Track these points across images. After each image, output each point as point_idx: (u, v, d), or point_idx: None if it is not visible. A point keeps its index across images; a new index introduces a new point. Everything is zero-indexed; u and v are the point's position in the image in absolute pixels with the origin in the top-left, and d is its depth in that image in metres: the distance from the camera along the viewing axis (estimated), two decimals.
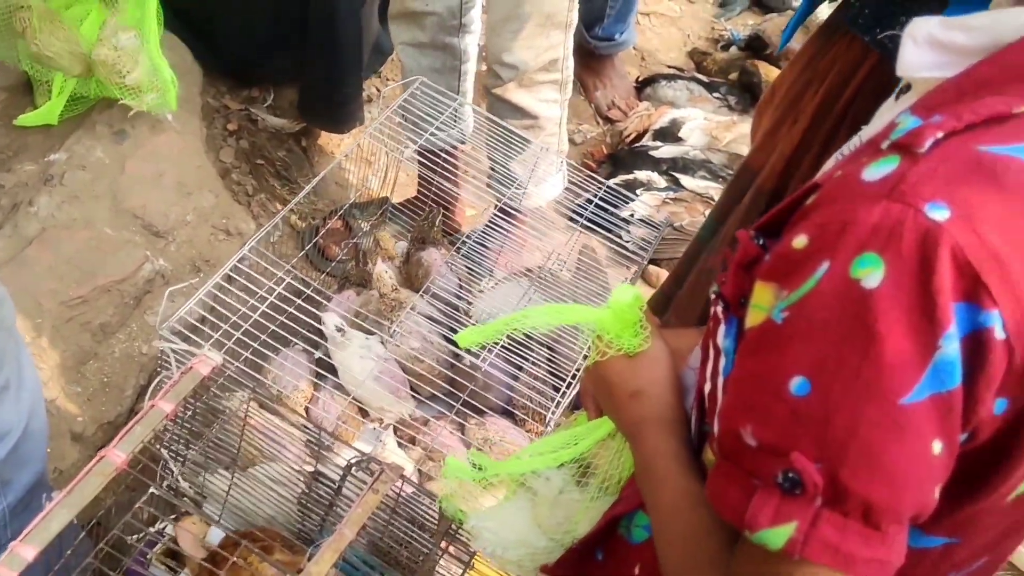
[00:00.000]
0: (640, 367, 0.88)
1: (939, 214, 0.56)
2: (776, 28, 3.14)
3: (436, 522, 1.38)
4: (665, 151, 2.70)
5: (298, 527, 1.56)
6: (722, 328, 0.71)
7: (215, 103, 2.43)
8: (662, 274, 2.64)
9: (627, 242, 2.33)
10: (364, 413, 1.79)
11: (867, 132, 0.77)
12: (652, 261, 2.60)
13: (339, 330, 1.71)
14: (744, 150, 2.41)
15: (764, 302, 0.63)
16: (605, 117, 3.01)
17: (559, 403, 1.66)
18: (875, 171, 0.59)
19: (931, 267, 0.56)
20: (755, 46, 3.15)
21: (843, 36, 1.38)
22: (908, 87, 0.74)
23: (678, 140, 2.80)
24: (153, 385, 1.32)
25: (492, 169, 2.22)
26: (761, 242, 0.69)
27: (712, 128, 2.80)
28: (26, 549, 1.07)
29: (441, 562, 1.45)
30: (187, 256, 2.04)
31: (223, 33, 2.23)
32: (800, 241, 0.60)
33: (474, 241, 2.12)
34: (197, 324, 1.56)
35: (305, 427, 1.50)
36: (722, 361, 0.71)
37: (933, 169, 0.58)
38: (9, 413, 1.27)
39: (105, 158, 2.05)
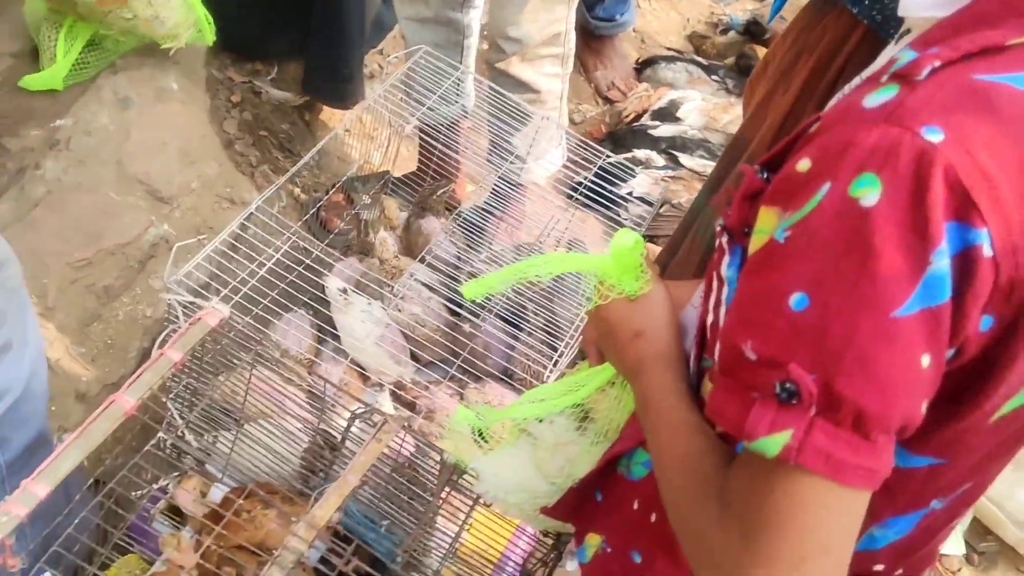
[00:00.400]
0: (641, 308, 0.91)
1: (934, 136, 0.59)
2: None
3: (435, 480, 1.41)
4: (663, 130, 2.73)
5: (300, 484, 1.59)
6: (726, 259, 0.75)
7: (219, 75, 2.45)
8: (658, 252, 2.68)
9: (624, 219, 2.35)
10: (365, 378, 1.82)
11: (868, 72, 0.80)
12: (649, 238, 2.64)
13: (342, 292, 1.74)
14: None
15: (767, 226, 0.66)
16: (605, 97, 3.03)
17: (556, 362, 1.69)
18: (875, 99, 0.62)
19: (925, 185, 0.59)
20: (753, 31, 3.18)
21: (832, 8, 1.41)
22: (908, 31, 0.77)
23: (676, 120, 2.83)
24: (160, 337, 1.34)
25: (493, 143, 2.25)
26: (765, 176, 0.72)
27: (710, 109, 2.83)
28: (38, 486, 1.09)
29: (439, 519, 1.48)
30: (191, 223, 2.06)
31: (227, 9, 2.25)
32: (803, 164, 0.63)
33: (473, 213, 2.15)
34: (203, 287, 1.59)
35: (310, 386, 1.53)
36: (725, 290, 0.75)
37: (930, 95, 0.61)
38: (9, 372, 1.29)
39: (110, 124, 2.07)
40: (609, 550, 1.00)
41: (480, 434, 1.16)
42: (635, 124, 2.84)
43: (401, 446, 1.36)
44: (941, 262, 0.59)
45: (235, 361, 1.45)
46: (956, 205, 0.59)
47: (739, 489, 0.69)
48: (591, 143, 2.15)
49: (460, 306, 1.84)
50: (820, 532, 0.64)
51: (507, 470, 1.08)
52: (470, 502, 1.38)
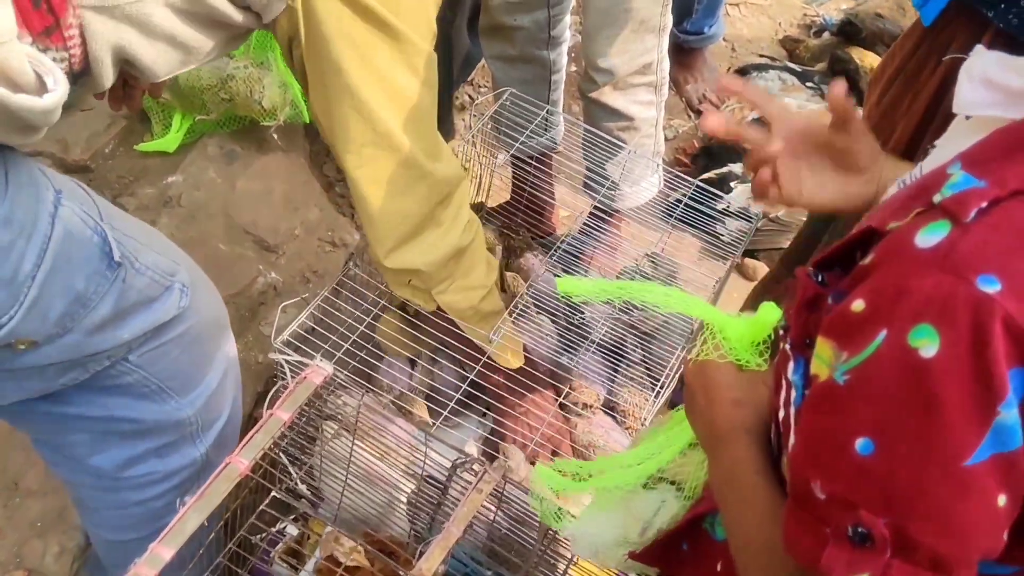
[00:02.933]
0: (748, 380, 0.90)
1: (990, 287, 0.58)
2: (869, 11, 3.08)
3: (538, 519, 1.43)
4: None
5: (409, 528, 1.64)
6: (791, 364, 0.75)
7: None
8: (759, 266, 2.64)
9: (722, 235, 2.33)
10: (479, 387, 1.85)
11: (936, 156, 0.78)
12: (748, 253, 2.60)
13: None
14: None
15: (826, 356, 0.66)
16: (697, 111, 3.01)
17: (656, 402, 1.69)
18: (927, 237, 0.61)
19: (985, 338, 0.58)
20: (848, 31, 3.10)
21: (963, 9, 1.36)
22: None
23: None
24: (271, 394, 1.41)
25: (588, 171, 2.26)
26: (820, 279, 0.72)
27: None
28: (164, 550, 1.16)
29: (546, 557, 1.50)
30: (297, 268, 2.15)
31: None
32: (858, 305, 0.63)
33: (568, 243, 2.17)
34: (307, 335, 1.65)
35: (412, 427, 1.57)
36: (793, 393, 0.74)
37: (983, 240, 0.59)
38: (221, 402, 1.44)
39: (217, 178, 2.18)
40: None
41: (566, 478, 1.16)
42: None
43: (503, 490, 1.39)
44: (1009, 412, 0.59)
45: (342, 412, 1.51)
46: (1020, 353, 0.58)
47: None
48: (682, 166, 2.14)
49: (562, 339, 1.86)
50: None
51: (602, 530, 1.09)
52: (570, 554, 1.40)
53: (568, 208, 2.45)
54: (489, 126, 2.04)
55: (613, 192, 2.13)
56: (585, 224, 2.22)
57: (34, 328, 1.08)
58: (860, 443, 0.62)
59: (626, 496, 1.06)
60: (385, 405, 1.67)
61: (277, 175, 2.27)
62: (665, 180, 2.18)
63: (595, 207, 2.15)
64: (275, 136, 2.28)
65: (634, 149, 2.11)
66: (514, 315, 1.86)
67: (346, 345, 1.52)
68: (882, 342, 0.61)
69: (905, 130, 1.46)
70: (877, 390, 0.61)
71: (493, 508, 1.43)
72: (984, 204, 0.60)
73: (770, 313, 0.92)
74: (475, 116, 2.63)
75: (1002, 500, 0.61)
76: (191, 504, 1.20)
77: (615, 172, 2.13)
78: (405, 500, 1.61)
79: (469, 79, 2.82)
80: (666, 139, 2.87)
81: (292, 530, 1.65)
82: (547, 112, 1.98)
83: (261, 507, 1.44)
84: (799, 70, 3.04)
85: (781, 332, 0.77)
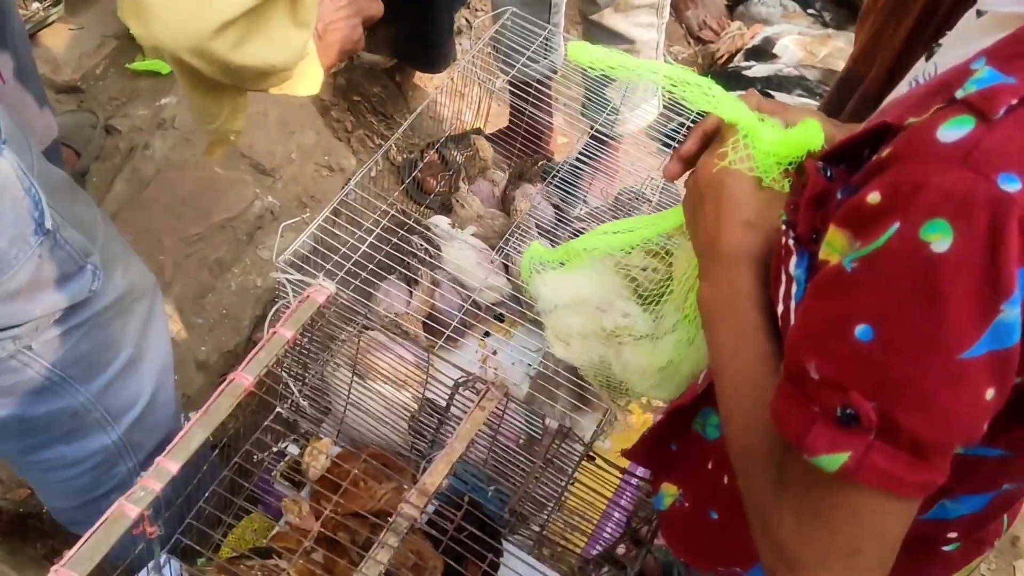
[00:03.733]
0: (765, 201, 0.85)
1: (1011, 185, 0.57)
2: None
3: (540, 438, 1.45)
4: (758, 70, 2.67)
5: (410, 446, 1.65)
6: (794, 259, 0.75)
7: None
8: None
9: None
10: (478, 306, 1.86)
11: (944, 56, 0.77)
12: None
13: (452, 225, 1.79)
14: (839, 65, 2.37)
15: (838, 245, 0.66)
16: (697, 37, 2.97)
17: None
18: (950, 132, 0.60)
19: (1000, 237, 0.58)
20: None
21: None
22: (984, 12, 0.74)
23: (772, 58, 2.76)
24: (271, 314, 1.41)
25: (586, 96, 2.24)
26: (828, 173, 0.71)
27: (807, 43, 2.74)
28: (170, 463, 1.17)
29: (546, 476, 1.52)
30: (293, 192, 2.13)
31: None
32: (874, 197, 0.63)
33: (567, 170, 2.15)
34: (308, 255, 1.65)
35: (415, 355, 1.58)
36: (794, 287, 0.75)
37: (1008, 138, 0.59)
38: (134, 387, 1.36)
39: None
40: (686, 505, 1.03)
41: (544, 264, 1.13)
42: (729, 65, 2.78)
43: (504, 410, 1.40)
44: (1012, 311, 0.59)
45: (343, 331, 1.51)
46: None
47: (796, 478, 0.70)
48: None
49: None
50: (873, 530, 0.67)
51: (567, 286, 1.08)
52: (575, 459, 1.42)
53: (566, 134, 2.43)
54: (488, 49, 2.00)
55: (612, 117, 2.11)
56: (583, 151, 2.21)
57: None
58: (860, 329, 0.63)
59: (599, 265, 1.05)
60: (386, 325, 1.67)
61: (272, 98, 2.22)
62: (666, 104, 2.16)
63: (594, 132, 2.13)
64: None
65: None
66: (515, 236, 1.86)
67: (348, 265, 1.52)
68: (894, 234, 0.61)
69: (884, 59, 1.45)
70: (883, 279, 0.62)
71: (494, 428, 1.44)
72: (1015, 101, 0.59)
73: (811, 132, 0.84)
74: (473, 40, 2.59)
75: (990, 394, 0.62)
76: (196, 419, 1.20)
77: (615, 96, 2.11)
78: (406, 423, 1.62)
79: (467, 3, 2.78)
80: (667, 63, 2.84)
81: (294, 449, 1.67)
82: (547, 33, 1.94)
83: (265, 424, 1.45)
84: None
85: (783, 227, 0.76)
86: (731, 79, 2.70)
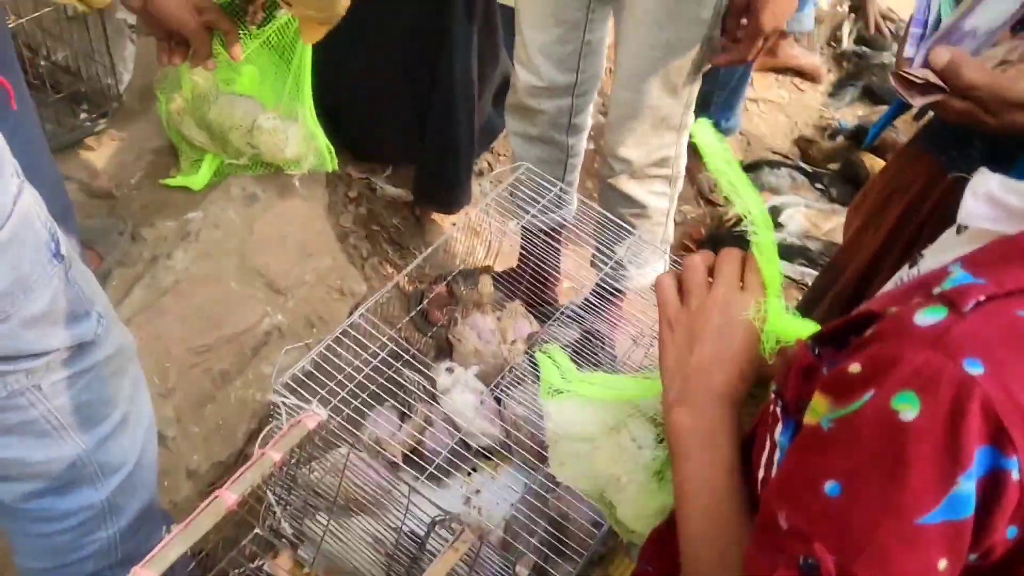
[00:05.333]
0: (758, 363, 0.91)
1: (974, 369, 0.64)
2: None
3: None
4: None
5: (385, 573, 1.66)
6: (779, 426, 0.81)
7: (339, 171, 2.62)
8: None
9: None
10: (467, 447, 1.89)
11: (926, 264, 0.85)
12: None
13: (448, 370, 1.83)
14: (841, 240, 2.46)
15: (820, 409, 0.72)
16: (707, 199, 3.09)
17: None
18: (925, 318, 0.68)
19: (962, 413, 0.64)
20: (861, 137, 3.19)
21: (925, 153, 1.45)
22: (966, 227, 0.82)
23: (778, 227, 2.86)
24: (264, 433, 1.45)
25: (597, 249, 2.33)
26: (816, 352, 0.78)
27: (812, 216, 2.85)
28: (146, 573, 1.20)
29: None
30: (303, 313, 2.21)
31: (349, 113, 2.43)
32: (855, 367, 0.69)
33: (567, 315, 2.22)
34: (305, 379, 1.70)
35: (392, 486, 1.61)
36: (777, 454, 0.81)
37: (975, 329, 0.66)
38: (125, 445, 1.41)
39: (237, 219, 2.25)
40: None
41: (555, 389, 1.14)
42: (735, 229, 2.87)
43: (478, 552, 1.42)
44: (967, 484, 0.64)
45: (329, 454, 1.55)
46: (990, 432, 0.64)
47: None
48: (688, 251, 2.20)
49: None
50: None
51: (573, 412, 1.10)
52: None
53: (573, 281, 2.51)
54: (505, 195, 2.11)
55: (619, 272, 2.19)
56: (587, 299, 2.28)
57: None
58: (829, 485, 0.69)
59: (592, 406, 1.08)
60: (373, 455, 1.71)
61: (295, 221, 2.34)
62: (671, 266, 2.24)
63: (599, 283, 2.20)
64: (297, 184, 2.36)
65: (643, 235, 2.17)
66: (506, 380, 1.91)
67: (342, 393, 1.57)
68: (868, 400, 0.67)
69: (863, 259, 1.54)
70: (855, 440, 0.68)
71: (467, 569, 1.46)
72: (982, 298, 0.67)
73: (810, 327, 0.91)
74: (492, 183, 2.70)
75: (943, 564, 0.66)
76: (176, 532, 1.23)
77: (622, 254, 2.20)
78: (383, 552, 1.64)
79: (490, 148, 2.91)
80: (675, 223, 2.94)
81: (269, 570, 1.68)
82: (560, 190, 2.05)
83: (244, 543, 1.47)
84: (810, 170, 3.13)
85: (773, 396, 0.82)
86: (737, 241, 2.79)
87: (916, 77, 1.20)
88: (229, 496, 1.28)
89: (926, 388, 0.65)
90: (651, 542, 1.08)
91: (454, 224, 2.67)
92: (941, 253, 0.88)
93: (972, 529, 0.66)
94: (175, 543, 1.23)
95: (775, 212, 2.87)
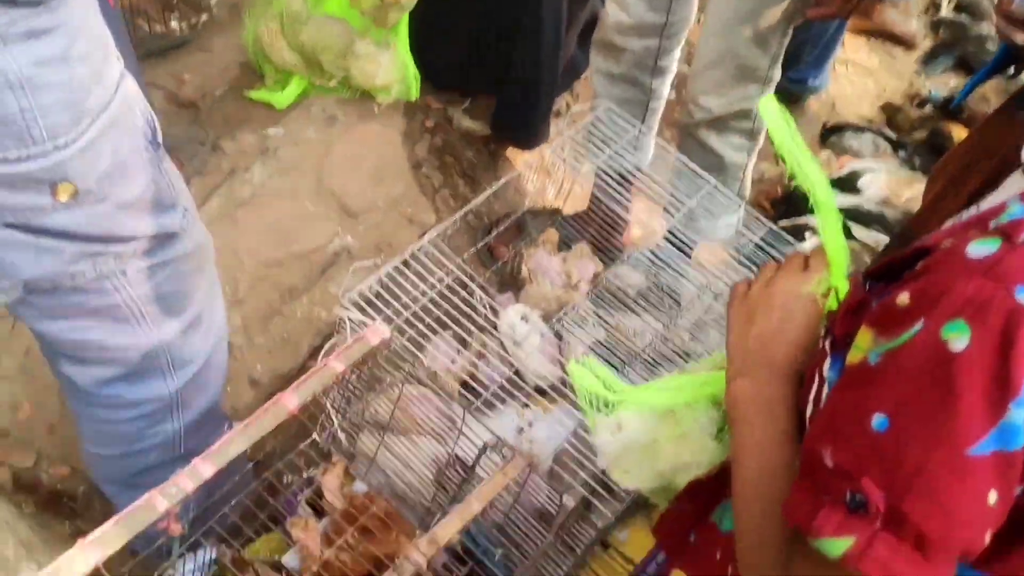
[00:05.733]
0: (819, 338, 0.91)
1: None
2: (976, 92, 3.06)
3: (556, 513, 1.48)
4: (840, 200, 2.70)
5: (432, 497, 1.70)
6: (828, 361, 0.80)
7: (418, 100, 2.63)
8: None
9: None
10: (523, 381, 1.91)
11: (987, 203, 0.83)
12: None
13: (516, 312, 1.84)
14: None
15: (864, 344, 0.72)
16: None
17: None
18: (978, 249, 0.67)
19: (1012, 340, 0.63)
20: (951, 108, 3.09)
21: (1016, 116, 1.40)
22: None
23: (856, 191, 2.80)
24: (328, 346, 1.49)
25: (671, 196, 2.30)
26: (868, 287, 0.78)
27: (892, 183, 2.78)
28: (205, 466, 1.24)
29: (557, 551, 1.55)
30: (372, 237, 2.23)
31: (433, 41, 2.42)
32: (903, 299, 0.69)
33: (631, 263, 2.21)
34: (373, 299, 1.73)
35: (451, 410, 1.64)
36: (825, 389, 0.80)
37: None
38: (198, 342, 1.46)
39: (315, 139, 2.27)
40: None
41: (604, 403, 1.14)
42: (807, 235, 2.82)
43: (525, 482, 1.44)
44: (1018, 412, 0.64)
45: (389, 376, 1.58)
46: None
47: (805, 566, 0.73)
48: (761, 209, 2.17)
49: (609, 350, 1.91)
50: None
51: (629, 422, 1.10)
52: (580, 549, 1.45)
53: (642, 229, 2.49)
54: (581, 135, 2.09)
55: (690, 223, 2.16)
56: (655, 248, 2.26)
57: (81, 172, 1.12)
58: (877, 419, 0.68)
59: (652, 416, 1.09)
60: (430, 377, 1.74)
61: (371, 146, 2.35)
62: (746, 223, 2.21)
63: (669, 232, 2.18)
64: (376, 109, 2.37)
65: (718, 187, 2.13)
66: (568, 318, 1.91)
67: (406, 314, 1.59)
68: (918, 331, 0.67)
69: (938, 225, 1.50)
70: (903, 373, 0.67)
71: (514, 496, 1.48)
72: None
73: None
74: (568, 123, 2.69)
75: (993, 497, 0.66)
76: (237, 430, 1.27)
77: (694, 204, 2.17)
78: (433, 473, 1.68)
79: (571, 89, 2.88)
80: (752, 181, 2.90)
81: (321, 481, 1.73)
82: (639, 132, 2.02)
83: (300, 447, 1.51)
84: (894, 138, 3.04)
85: (823, 332, 0.82)
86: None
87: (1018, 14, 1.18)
88: (291, 400, 1.32)
89: (976, 316, 0.64)
90: (690, 485, 1.08)
91: (525, 163, 2.66)
92: (1002, 193, 0.87)
93: (1023, 461, 0.65)
94: (236, 440, 1.27)
95: (854, 177, 2.81)
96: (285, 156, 2.21)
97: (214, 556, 1.58)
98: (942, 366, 0.65)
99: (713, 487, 1.04)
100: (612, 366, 1.91)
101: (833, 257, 0.97)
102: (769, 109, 1.03)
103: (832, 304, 0.94)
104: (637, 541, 1.73)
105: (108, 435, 1.50)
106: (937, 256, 0.70)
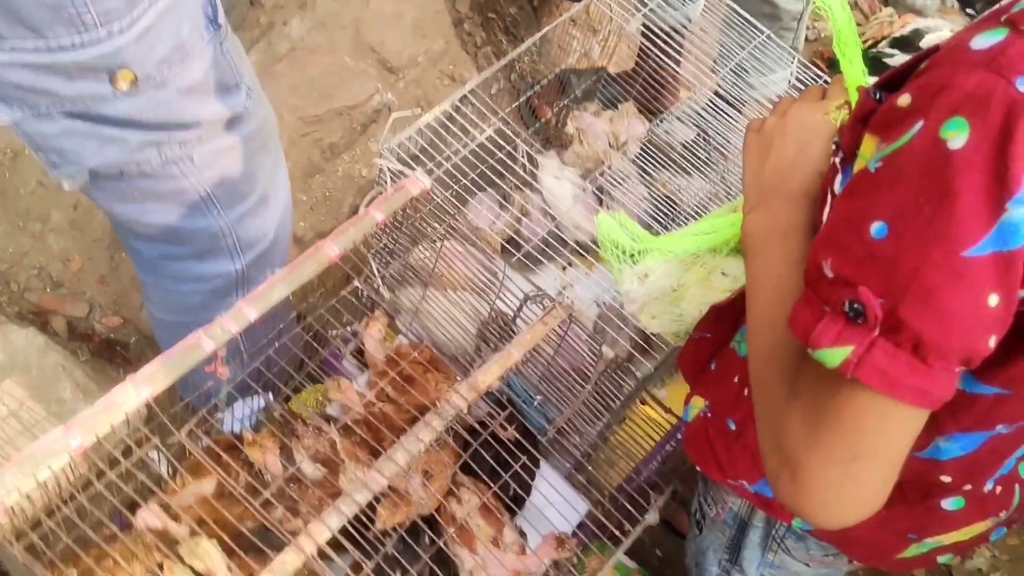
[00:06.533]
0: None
1: None
2: None
3: (594, 367, 1.49)
4: (898, 60, 2.59)
5: (475, 349, 1.72)
6: (839, 177, 0.78)
7: None
8: None
9: None
10: (563, 240, 1.90)
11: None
12: None
13: (555, 156, 1.81)
14: None
15: (867, 153, 0.69)
16: None
17: None
18: (982, 40, 0.63)
19: (1011, 135, 0.60)
20: None
21: None
22: None
23: (918, 51, 2.68)
24: (367, 197, 1.48)
25: (720, 53, 2.22)
26: (877, 96, 0.74)
27: None
28: (249, 309, 1.25)
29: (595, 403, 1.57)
30: (412, 94, 2.19)
31: None
32: (904, 100, 0.66)
33: (679, 119, 2.15)
34: (415, 154, 1.71)
35: (492, 263, 1.63)
36: None
37: None
38: (263, 223, 1.46)
39: None
40: (709, 415, 1.08)
41: (629, 254, 1.14)
42: (871, 50, 2.71)
43: (566, 333, 1.44)
44: (1017, 211, 0.61)
45: (430, 230, 1.57)
46: None
47: (807, 384, 0.73)
48: (818, 69, 2.08)
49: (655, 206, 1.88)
50: (875, 437, 0.69)
51: (656, 270, 1.11)
52: (618, 402, 1.45)
53: (691, 89, 2.42)
54: None
55: (742, 78, 2.09)
56: (704, 106, 2.20)
57: (139, 58, 1.10)
58: (875, 226, 0.66)
59: (679, 262, 1.09)
60: (473, 233, 1.73)
61: (411, 0, 2.29)
62: (801, 79, 2.13)
63: (719, 87, 2.12)
64: None
65: (771, 36, 2.05)
66: (607, 176, 1.88)
67: (447, 166, 1.57)
68: (916, 132, 0.64)
69: None
70: (901, 177, 0.65)
71: (554, 348, 1.49)
72: None
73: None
74: None
75: (994, 300, 0.64)
76: (280, 275, 1.28)
77: (747, 57, 2.09)
78: (475, 329, 1.69)
79: None
80: (808, 40, 2.78)
81: (363, 334, 1.75)
82: None
83: (343, 293, 1.52)
84: None
85: (833, 147, 0.79)
86: (871, 63, 2.63)
87: None
88: (332, 248, 1.32)
89: (976, 111, 0.61)
90: (711, 312, 1.08)
91: (573, 20, 2.57)
92: None
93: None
94: (278, 285, 1.28)
95: (917, 36, 2.68)
96: (323, 10, 2.16)
97: (262, 404, 1.62)
98: (940, 167, 0.62)
99: (733, 314, 1.04)
100: (656, 222, 1.89)
101: (852, 84, 0.95)
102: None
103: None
104: (677, 397, 1.74)
105: (174, 304, 1.53)
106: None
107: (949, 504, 0.92)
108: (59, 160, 1.20)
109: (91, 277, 1.86)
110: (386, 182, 1.51)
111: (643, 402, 1.76)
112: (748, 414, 0.94)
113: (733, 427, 1.04)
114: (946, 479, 0.88)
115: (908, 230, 0.64)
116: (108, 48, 1.06)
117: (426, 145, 1.58)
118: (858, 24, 2.82)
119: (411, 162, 1.55)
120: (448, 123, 1.77)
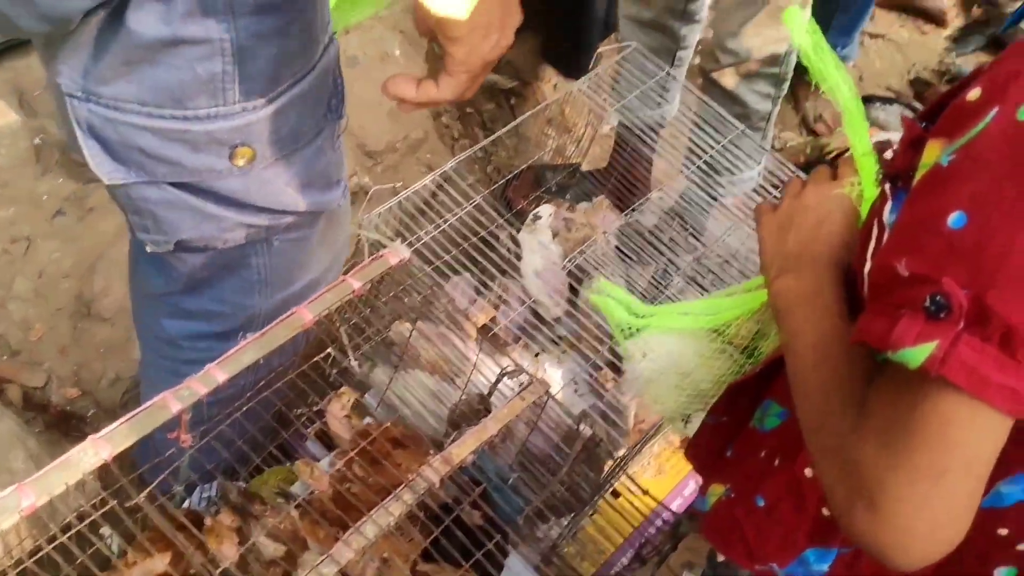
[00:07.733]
0: (857, 237, 0.89)
1: None
2: None
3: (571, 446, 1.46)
4: None
5: (443, 435, 1.67)
6: (889, 204, 0.75)
7: (440, 49, 2.59)
8: None
9: None
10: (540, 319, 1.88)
11: None
12: None
13: (536, 218, 1.81)
14: None
15: (932, 157, 0.67)
16: (810, 129, 2.99)
17: None
18: None
19: None
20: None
21: None
22: None
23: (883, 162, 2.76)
24: (347, 265, 1.46)
25: (691, 151, 2.26)
26: (924, 125, 0.74)
27: None
28: (219, 372, 1.21)
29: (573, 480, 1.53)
30: (389, 179, 2.21)
31: None
32: (974, 94, 0.66)
33: (653, 208, 2.17)
34: (399, 228, 1.70)
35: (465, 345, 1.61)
36: (886, 235, 0.75)
37: None
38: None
39: None
40: (732, 496, 1.03)
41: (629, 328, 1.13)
42: (836, 161, 2.79)
43: (542, 412, 1.41)
44: None
45: (407, 304, 1.55)
46: None
47: (881, 400, 0.68)
48: (790, 165, 2.13)
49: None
50: (963, 448, 0.64)
51: (660, 347, 1.08)
52: (598, 484, 1.42)
53: (663, 190, 2.46)
54: (608, 74, 2.04)
55: (711, 178, 2.13)
56: (675, 204, 2.23)
57: (262, 137, 1.08)
58: (953, 217, 0.63)
59: (681, 338, 1.07)
60: (449, 317, 1.71)
61: None
62: (773, 181, 2.17)
63: (691, 183, 2.15)
64: (397, 52, 2.34)
65: (745, 131, 2.09)
66: (584, 254, 1.88)
67: (426, 239, 1.56)
68: (992, 118, 0.63)
69: None
70: (979, 163, 0.63)
71: (530, 425, 1.45)
72: None
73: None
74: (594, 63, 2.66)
75: None
76: (253, 339, 1.25)
77: (719, 159, 2.13)
78: (447, 410, 1.65)
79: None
80: (774, 148, 2.85)
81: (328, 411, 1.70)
82: (667, 75, 1.98)
83: (316, 358, 1.48)
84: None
85: (879, 178, 0.79)
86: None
87: None
88: (306, 313, 1.29)
89: None
90: (726, 394, 1.05)
91: (549, 121, 2.63)
92: None
93: None
94: (249, 348, 1.25)
95: (882, 147, 2.76)
96: None
97: (217, 492, 1.56)
98: (1021, 147, 0.61)
99: (752, 393, 1.02)
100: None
101: (861, 162, 0.97)
102: (795, 18, 1.02)
103: (864, 209, 0.92)
104: (647, 486, 1.70)
105: (176, 377, 1.48)
106: (1005, 51, 0.68)
107: (1001, 574, 0.87)
108: (152, 227, 1.18)
109: (52, 347, 1.80)
110: (364, 252, 1.50)
111: (616, 494, 1.72)
112: (779, 484, 0.91)
113: (762, 503, 0.98)
114: (1004, 532, 0.83)
115: (991, 215, 0.62)
116: (240, 122, 1.05)
117: (407, 219, 1.58)
118: (822, 135, 2.92)
119: (391, 234, 1.54)
120: (425, 206, 1.78)
